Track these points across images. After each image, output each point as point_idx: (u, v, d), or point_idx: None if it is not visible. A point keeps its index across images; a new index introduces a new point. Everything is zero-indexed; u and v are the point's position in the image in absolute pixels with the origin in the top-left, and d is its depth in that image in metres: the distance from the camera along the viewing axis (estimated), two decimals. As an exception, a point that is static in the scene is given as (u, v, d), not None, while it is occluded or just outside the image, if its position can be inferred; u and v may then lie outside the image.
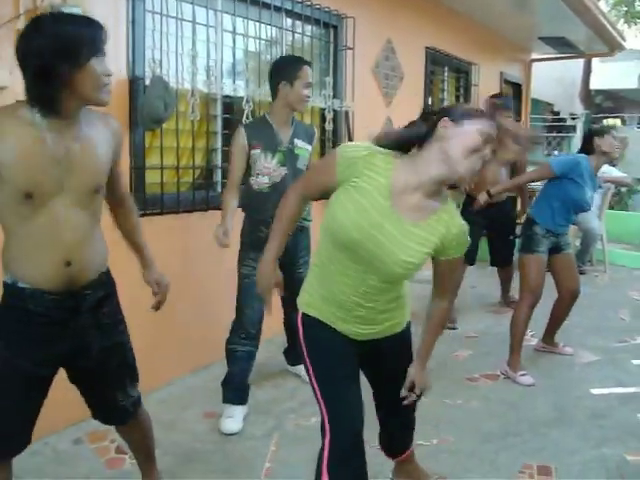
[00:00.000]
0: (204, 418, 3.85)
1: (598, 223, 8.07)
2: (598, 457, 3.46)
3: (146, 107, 3.81)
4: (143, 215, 3.97)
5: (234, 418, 3.77)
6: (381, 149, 2.21)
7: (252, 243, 3.77)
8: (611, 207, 10.15)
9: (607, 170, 8.14)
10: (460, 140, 2.08)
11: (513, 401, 4.18)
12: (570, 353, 5.06)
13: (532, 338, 5.36)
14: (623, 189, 10.83)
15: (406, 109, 7.01)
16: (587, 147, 4.67)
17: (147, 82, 3.90)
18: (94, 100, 2.13)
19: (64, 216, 2.15)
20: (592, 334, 5.58)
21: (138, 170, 3.99)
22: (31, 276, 2.18)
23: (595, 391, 4.38)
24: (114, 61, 3.77)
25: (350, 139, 5.88)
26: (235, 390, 3.85)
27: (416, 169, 2.16)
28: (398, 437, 2.91)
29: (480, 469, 3.31)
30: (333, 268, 2.32)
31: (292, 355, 4.45)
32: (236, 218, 3.81)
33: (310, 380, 2.44)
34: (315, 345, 2.42)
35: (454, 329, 5.64)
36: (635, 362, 4.96)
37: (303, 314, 2.44)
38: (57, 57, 1.99)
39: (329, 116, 5.62)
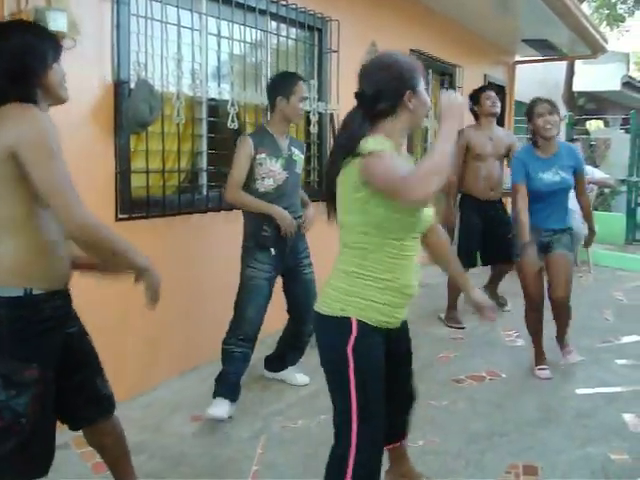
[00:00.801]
0: (191, 421, 3.85)
1: (582, 224, 8.11)
2: (583, 456, 3.48)
3: (131, 110, 3.81)
4: (129, 219, 3.98)
5: (223, 407, 3.85)
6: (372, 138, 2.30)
7: (257, 244, 3.96)
8: (595, 208, 10.19)
9: (590, 171, 8.22)
10: (423, 105, 2.40)
11: (499, 402, 4.20)
12: (571, 360, 4.87)
13: (517, 339, 5.40)
14: (606, 190, 10.89)
15: (391, 111, 7.04)
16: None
17: (132, 85, 3.91)
18: (60, 97, 2.31)
19: None
20: (577, 334, 5.59)
21: (123, 173, 3.98)
22: (47, 278, 2.19)
23: (580, 391, 4.41)
24: (99, 64, 3.78)
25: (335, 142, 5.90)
26: (228, 387, 3.91)
27: (393, 135, 2.37)
28: (404, 419, 2.89)
29: (466, 470, 3.33)
30: (395, 252, 2.34)
31: (275, 363, 4.46)
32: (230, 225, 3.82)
33: (347, 389, 2.34)
34: (366, 356, 2.36)
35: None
36: (619, 362, 5.00)
37: (358, 321, 2.34)
38: (30, 59, 2.17)
39: (314, 119, 5.63)
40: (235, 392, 3.94)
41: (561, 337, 4.88)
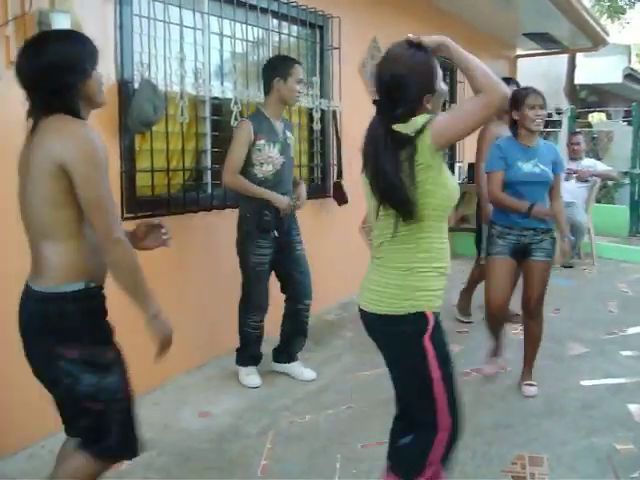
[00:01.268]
0: (199, 417, 3.89)
1: (585, 216, 8.14)
2: (588, 447, 3.51)
3: (135, 110, 3.84)
4: (135, 218, 4.00)
5: (255, 374, 4.42)
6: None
7: (259, 228, 4.14)
8: (598, 201, 10.20)
9: (592, 164, 8.23)
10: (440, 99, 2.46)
11: (504, 394, 4.23)
12: (532, 394, 4.24)
13: (522, 332, 5.44)
14: (609, 183, 10.89)
15: (393, 107, 7.05)
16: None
17: (136, 86, 3.94)
18: (99, 103, 2.40)
19: None
20: (581, 326, 5.64)
21: (129, 173, 4.02)
22: (98, 274, 2.32)
23: (585, 382, 4.44)
24: (102, 65, 3.78)
25: (338, 138, 5.93)
26: (250, 356, 4.45)
27: None
28: None
29: (473, 461, 3.35)
30: (441, 237, 2.41)
31: (283, 354, 4.52)
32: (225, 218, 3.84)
33: (429, 378, 2.37)
34: (442, 344, 2.41)
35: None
36: (624, 353, 5.02)
37: (434, 314, 2.39)
38: (70, 73, 2.23)
39: (316, 116, 5.66)
40: (258, 358, 4.49)
41: (529, 363, 4.37)
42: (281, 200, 4.15)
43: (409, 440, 2.49)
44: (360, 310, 2.51)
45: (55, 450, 3.43)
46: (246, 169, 4.11)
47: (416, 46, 2.35)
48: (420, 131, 2.23)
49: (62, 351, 2.25)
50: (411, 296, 2.35)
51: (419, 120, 2.26)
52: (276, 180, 4.18)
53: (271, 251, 4.22)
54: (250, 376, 4.38)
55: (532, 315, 4.28)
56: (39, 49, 2.26)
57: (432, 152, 2.25)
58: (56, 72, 2.21)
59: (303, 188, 4.46)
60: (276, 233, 4.19)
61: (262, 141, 4.09)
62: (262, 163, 4.12)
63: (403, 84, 2.32)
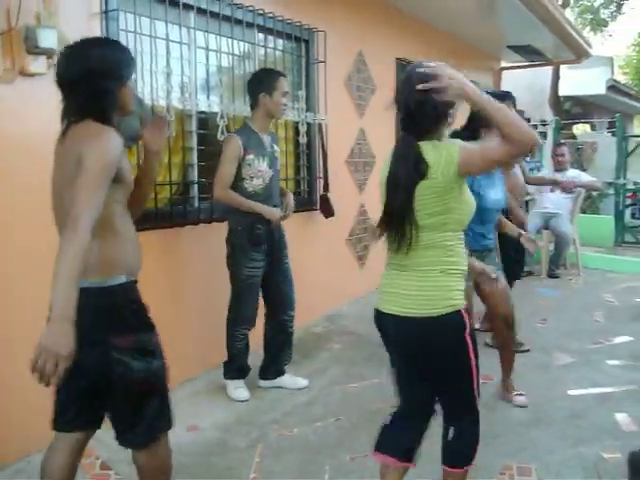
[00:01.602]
0: (187, 431, 3.87)
1: (570, 227, 8.19)
2: (576, 456, 3.53)
3: (122, 125, 3.83)
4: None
5: (243, 388, 4.40)
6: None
7: (250, 241, 4.17)
8: (583, 211, 10.29)
9: (577, 175, 8.29)
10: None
11: (491, 403, 4.23)
12: (524, 404, 4.25)
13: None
14: (594, 193, 10.98)
15: (379, 120, 7.10)
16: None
17: (122, 100, 3.94)
18: (128, 111, 2.53)
19: None
20: (567, 336, 5.66)
21: (115, 187, 4.02)
22: (136, 267, 2.50)
23: (572, 392, 4.46)
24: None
25: (324, 151, 5.95)
26: (238, 369, 4.43)
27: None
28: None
29: (461, 472, 3.36)
30: (461, 242, 2.57)
31: (271, 370, 4.53)
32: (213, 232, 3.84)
33: (470, 370, 2.56)
34: (475, 338, 2.58)
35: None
36: (610, 362, 5.05)
37: (466, 310, 2.56)
38: (108, 78, 2.35)
39: (302, 129, 5.68)
40: (245, 372, 4.47)
41: (507, 374, 4.35)
42: (273, 212, 4.21)
43: (456, 433, 2.69)
44: (389, 316, 2.57)
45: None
46: (236, 183, 4.14)
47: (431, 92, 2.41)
48: (450, 162, 2.37)
49: (114, 341, 2.36)
50: (448, 295, 2.48)
51: (451, 150, 2.39)
52: (266, 194, 4.23)
53: (263, 264, 4.26)
54: (238, 389, 4.37)
55: (509, 325, 4.25)
56: (80, 54, 2.37)
57: (456, 177, 2.39)
58: (95, 77, 2.32)
59: (291, 197, 4.52)
60: (265, 246, 4.24)
61: (251, 156, 4.13)
62: (252, 177, 4.15)
63: (428, 101, 2.43)
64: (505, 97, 4.72)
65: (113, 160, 2.28)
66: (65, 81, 2.37)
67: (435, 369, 2.61)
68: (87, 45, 2.43)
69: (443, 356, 2.55)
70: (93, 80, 2.32)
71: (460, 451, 2.74)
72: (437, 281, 2.48)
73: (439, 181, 2.37)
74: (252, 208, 4.14)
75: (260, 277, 4.27)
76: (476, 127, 4.06)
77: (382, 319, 2.62)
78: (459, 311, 2.50)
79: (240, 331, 4.32)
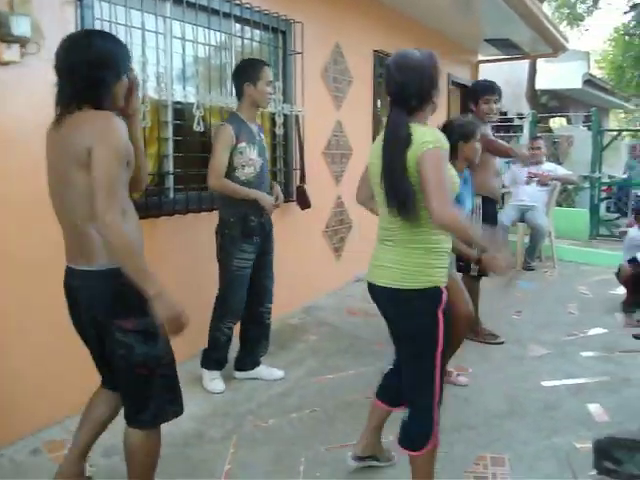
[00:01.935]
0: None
1: (546, 220, 8.24)
2: (549, 447, 3.57)
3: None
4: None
5: (219, 379, 4.39)
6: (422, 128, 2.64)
7: (243, 233, 4.16)
8: (558, 204, 10.36)
9: (553, 168, 8.35)
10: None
11: (466, 396, 4.27)
12: (465, 383, 4.45)
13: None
14: (570, 186, 11.06)
15: (355, 112, 7.10)
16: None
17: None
18: (119, 106, 2.57)
19: None
20: (542, 328, 5.71)
21: (90, 178, 3.98)
22: (140, 250, 2.50)
23: (546, 383, 4.50)
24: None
25: (301, 143, 5.94)
26: (217, 360, 4.41)
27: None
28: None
29: (436, 463, 3.37)
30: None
31: (247, 361, 4.52)
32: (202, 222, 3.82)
33: (435, 349, 2.69)
34: (449, 315, 2.73)
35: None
36: (584, 354, 5.10)
37: (445, 288, 2.72)
38: (107, 69, 2.44)
39: (279, 120, 5.66)
40: (223, 363, 4.43)
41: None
42: (267, 199, 4.22)
43: (409, 415, 2.84)
44: (376, 287, 2.79)
45: (16, 459, 3.41)
46: (228, 173, 4.12)
47: None
48: (420, 142, 2.54)
49: (118, 323, 2.47)
50: (429, 272, 2.67)
51: (427, 137, 2.56)
52: (258, 182, 4.22)
53: (254, 256, 4.25)
54: (214, 381, 4.36)
55: (470, 323, 4.39)
56: (83, 43, 2.45)
57: (414, 169, 2.56)
58: (95, 67, 2.40)
59: (278, 188, 4.56)
60: (256, 239, 4.24)
61: (243, 144, 4.12)
62: (244, 166, 4.14)
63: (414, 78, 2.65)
64: (494, 90, 5.05)
65: (126, 145, 2.38)
66: (65, 67, 2.44)
67: (403, 339, 2.82)
68: (91, 35, 2.55)
69: (407, 327, 2.74)
70: (93, 69, 2.40)
71: (408, 434, 2.85)
72: (421, 258, 2.66)
73: (415, 155, 2.55)
74: (248, 195, 4.12)
75: (250, 269, 4.25)
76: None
77: (372, 290, 2.84)
78: (438, 287, 2.68)
79: (226, 324, 4.30)
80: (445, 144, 2.59)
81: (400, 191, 2.59)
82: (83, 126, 2.34)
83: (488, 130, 5.19)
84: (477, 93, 5.11)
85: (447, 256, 2.77)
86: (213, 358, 4.39)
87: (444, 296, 2.69)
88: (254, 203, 4.16)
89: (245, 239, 4.17)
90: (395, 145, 2.61)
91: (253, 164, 4.18)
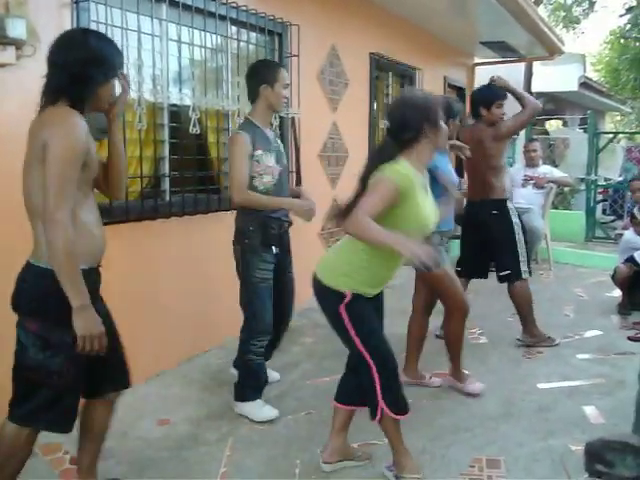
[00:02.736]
0: (158, 426, 3.86)
1: (542, 222, 8.25)
2: (544, 449, 3.57)
3: (92, 117, 3.80)
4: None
5: (267, 405, 4.02)
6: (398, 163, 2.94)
7: (263, 242, 3.90)
8: (555, 207, 10.38)
9: (549, 171, 8.36)
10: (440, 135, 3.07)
11: (462, 398, 4.27)
12: (438, 384, 4.50)
13: (480, 337, 5.49)
14: (566, 189, 11.07)
15: (352, 114, 7.11)
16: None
17: (93, 92, 3.90)
18: (103, 108, 2.63)
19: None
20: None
21: (86, 180, 3.97)
22: (86, 256, 2.53)
23: (541, 385, 4.50)
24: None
25: (297, 145, 5.92)
26: (257, 387, 4.06)
27: (418, 162, 3.03)
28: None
29: (431, 464, 3.39)
30: (384, 260, 3.02)
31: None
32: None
33: (352, 340, 3.07)
34: (359, 311, 3.05)
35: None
36: (579, 356, 5.11)
37: (354, 294, 3.03)
38: (95, 71, 2.46)
39: (275, 123, 5.66)
40: (264, 385, 4.13)
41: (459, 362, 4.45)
42: (301, 204, 4.01)
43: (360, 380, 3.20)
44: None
45: None
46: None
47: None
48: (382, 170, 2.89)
49: (25, 319, 2.48)
50: (340, 276, 3.05)
51: (391, 169, 2.89)
52: (277, 190, 3.95)
53: (274, 266, 4.00)
54: (264, 408, 3.99)
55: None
56: (78, 40, 2.50)
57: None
58: (84, 64, 2.42)
59: (306, 192, 4.24)
60: (275, 249, 3.98)
61: (259, 151, 3.85)
62: (262, 174, 3.86)
63: (410, 113, 2.97)
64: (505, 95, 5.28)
65: (80, 145, 2.36)
66: (55, 60, 2.45)
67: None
68: (87, 34, 2.59)
69: (328, 319, 3.17)
70: (85, 66, 2.42)
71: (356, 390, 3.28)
72: (342, 263, 3.06)
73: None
74: (279, 204, 3.93)
75: (272, 281, 3.99)
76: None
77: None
78: (340, 291, 3.01)
79: (258, 343, 3.97)
80: (402, 182, 2.86)
81: (353, 201, 2.90)
82: (45, 121, 2.37)
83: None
84: (491, 98, 5.19)
85: (374, 278, 3.07)
86: (251, 386, 4.02)
87: (347, 298, 3.01)
88: (274, 211, 3.95)
89: (265, 248, 3.92)
90: (370, 162, 3.02)
91: (271, 172, 3.90)
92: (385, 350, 3.10)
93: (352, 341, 3.07)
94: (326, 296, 3.10)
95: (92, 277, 2.55)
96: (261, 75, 3.95)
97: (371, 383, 3.07)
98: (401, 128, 2.96)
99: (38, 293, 2.45)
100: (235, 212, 4.07)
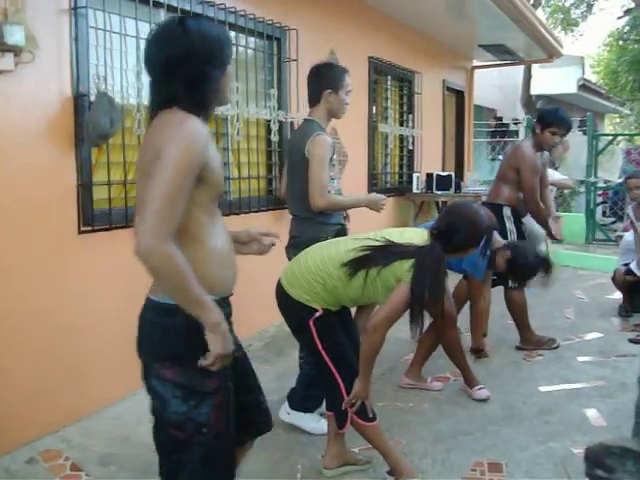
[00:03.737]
0: (159, 431, 3.85)
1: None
2: (546, 452, 3.56)
3: (92, 123, 3.81)
4: (91, 231, 3.97)
5: (320, 421, 3.80)
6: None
7: None
8: (555, 209, 10.36)
9: (549, 173, 8.35)
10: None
11: (463, 401, 4.27)
12: (439, 388, 4.51)
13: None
14: (566, 191, 11.07)
15: (350, 119, 7.08)
16: None
17: (92, 98, 3.90)
18: (225, 100, 2.26)
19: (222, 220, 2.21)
20: (539, 333, 5.68)
21: (85, 186, 3.96)
22: (217, 286, 2.13)
23: (542, 388, 4.50)
24: (58, 78, 3.77)
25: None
26: (319, 396, 3.76)
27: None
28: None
29: (433, 469, 3.38)
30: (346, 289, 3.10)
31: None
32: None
33: (319, 352, 3.10)
34: (327, 322, 3.10)
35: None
36: (580, 359, 5.10)
37: (325, 309, 3.09)
38: (210, 61, 2.04)
39: (274, 127, 5.66)
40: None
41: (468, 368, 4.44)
42: (373, 198, 3.95)
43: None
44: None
45: (11, 468, 3.39)
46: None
47: None
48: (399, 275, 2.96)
49: (157, 368, 2.07)
50: (309, 295, 3.08)
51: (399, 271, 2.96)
52: (340, 194, 3.90)
53: None
54: (320, 422, 3.81)
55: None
56: (179, 34, 2.02)
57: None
58: (197, 59, 2.00)
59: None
60: None
61: (335, 155, 3.78)
62: (333, 179, 3.78)
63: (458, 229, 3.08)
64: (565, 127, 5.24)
65: (196, 155, 1.94)
66: (160, 63, 2.04)
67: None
68: (185, 25, 2.05)
69: (292, 327, 3.24)
70: (195, 62, 2.01)
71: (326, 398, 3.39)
72: (313, 284, 3.07)
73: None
74: (357, 202, 3.93)
75: None
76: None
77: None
78: (311, 307, 3.06)
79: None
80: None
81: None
82: (159, 127, 2.00)
83: (545, 159, 5.50)
84: (548, 122, 5.15)
85: (339, 302, 3.15)
86: (315, 394, 3.84)
87: (317, 314, 3.07)
88: (339, 217, 3.87)
89: None
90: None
91: (337, 176, 3.87)
92: (351, 361, 3.14)
93: (319, 353, 3.11)
94: (295, 309, 3.13)
95: (224, 308, 2.10)
96: (326, 79, 3.81)
97: (337, 394, 3.11)
98: (451, 235, 3.04)
99: (163, 330, 2.06)
100: (295, 218, 3.93)
